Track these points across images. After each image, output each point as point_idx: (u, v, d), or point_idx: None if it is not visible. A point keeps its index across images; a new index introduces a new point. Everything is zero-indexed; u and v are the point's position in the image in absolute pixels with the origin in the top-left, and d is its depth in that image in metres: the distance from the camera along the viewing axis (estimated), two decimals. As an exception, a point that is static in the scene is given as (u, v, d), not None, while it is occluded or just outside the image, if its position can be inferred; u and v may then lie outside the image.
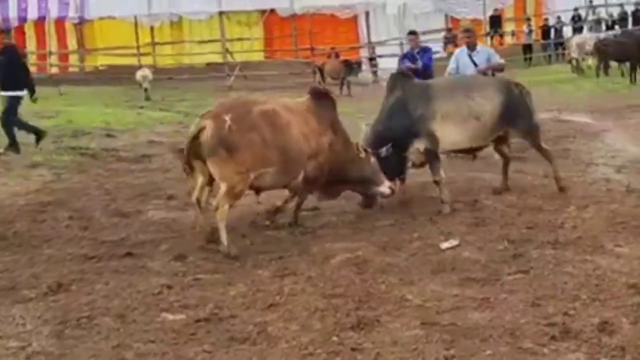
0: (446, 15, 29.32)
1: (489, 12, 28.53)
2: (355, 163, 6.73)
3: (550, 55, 27.78)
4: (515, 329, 4.26)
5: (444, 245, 5.98)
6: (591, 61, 21.38)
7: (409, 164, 7.14)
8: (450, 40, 27.30)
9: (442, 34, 27.92)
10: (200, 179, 6.21)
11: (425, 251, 5.85)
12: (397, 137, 6.93)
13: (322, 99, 6.72)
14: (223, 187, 5.96)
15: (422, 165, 7.20)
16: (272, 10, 28.05)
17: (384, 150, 6.82)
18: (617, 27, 27.11)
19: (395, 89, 7.19)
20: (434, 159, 7.06)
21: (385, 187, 6.84)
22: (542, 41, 28.46)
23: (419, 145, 6.97)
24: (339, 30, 27.39)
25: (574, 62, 22.32)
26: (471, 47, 9.09)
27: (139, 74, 21.10)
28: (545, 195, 7.39)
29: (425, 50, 11.05)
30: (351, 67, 22.18)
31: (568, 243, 5.90)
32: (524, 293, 4.84)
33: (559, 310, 4.50)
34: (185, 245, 6.24)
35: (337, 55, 23.18)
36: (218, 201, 5.94)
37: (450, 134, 7.02)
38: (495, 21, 28.56)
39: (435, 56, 26.88)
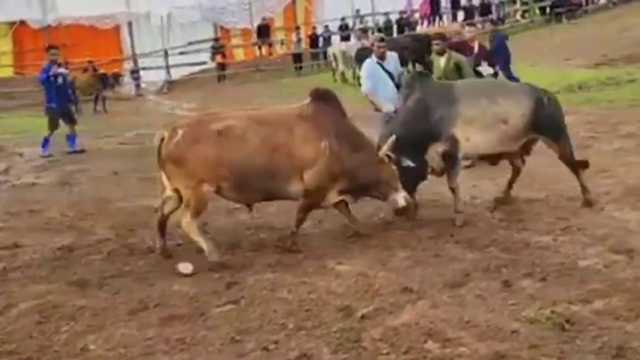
0: (215, 25, 28.85)
1: (257, 22, 28.48)
2: (371, 168, 6.09)
3: (319, 64, 28.16)
4: (206, 373, 3.78)
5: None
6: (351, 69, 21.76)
7: (429, 170, 6.57)
8: (218, 50, 26.95)
9: (210, 43, 27.38)
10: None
11: (132, 287, 5.18)
12: (417, 140, 6.36)
13: (322, 102, 6.17)
14: (183, 200, 5.88)
15: (442, 172, 6.61)
16: (23, 22, 25.89)
17: (403, 160, 6.23)
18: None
19: (414, 89, 6.63)
20: (453, 165, 6.52)
21: (399, 196, 6.15)
22: (311, 50, 28.86)
23: (439, 148, 6.43)
24: (99, 42, 25.77)
25: (338, 71, 22.68)
26: (383, 57, 8.46)
27: None
28: (281, 211, 6.90)
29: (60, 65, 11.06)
30: (106, 81, 20.93)
31: (291, 264, 5.55)
32: (228, 327, 4.43)
33: (259, 344, 4.16)
34: None
35: (94, 69, 21.68)
36: (178, 217, 5.89)
37: (476, 137, 6.52)
38: (264, 30, 28.61)
39: (203, 67, 26.79)
